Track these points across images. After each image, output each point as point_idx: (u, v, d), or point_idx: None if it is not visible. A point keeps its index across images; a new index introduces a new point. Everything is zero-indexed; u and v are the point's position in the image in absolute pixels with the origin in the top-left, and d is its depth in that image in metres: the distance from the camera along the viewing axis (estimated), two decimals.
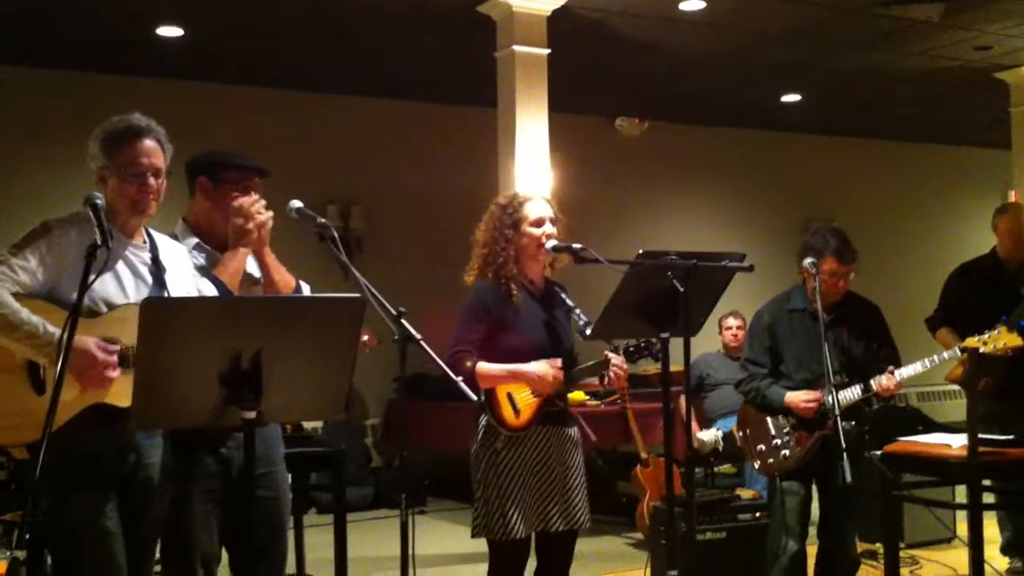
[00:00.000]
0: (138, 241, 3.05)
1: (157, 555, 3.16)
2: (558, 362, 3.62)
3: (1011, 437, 4.24)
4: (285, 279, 3.36)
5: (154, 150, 2.99)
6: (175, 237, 3.28)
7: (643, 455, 6.61)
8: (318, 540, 5.39)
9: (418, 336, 3.22)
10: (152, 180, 2.98)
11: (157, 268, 3.03)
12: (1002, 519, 5.59)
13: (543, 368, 3.59)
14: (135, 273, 3.00)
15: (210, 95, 8.49)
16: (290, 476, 3.48)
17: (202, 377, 2.49)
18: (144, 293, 2.96)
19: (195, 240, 3.31)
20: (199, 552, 3.12)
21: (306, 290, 3.40)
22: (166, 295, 2.97)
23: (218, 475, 3.15)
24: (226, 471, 3.16)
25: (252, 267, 3.36)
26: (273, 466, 3.31)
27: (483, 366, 3.59)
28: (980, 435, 4.06)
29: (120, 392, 2.80)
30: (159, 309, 2.52)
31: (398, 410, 7.32)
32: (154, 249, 3.07)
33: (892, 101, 9.87)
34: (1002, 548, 5.57)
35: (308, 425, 7.21)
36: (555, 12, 6.86)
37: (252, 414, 2.55)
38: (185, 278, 3.10)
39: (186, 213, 3.40)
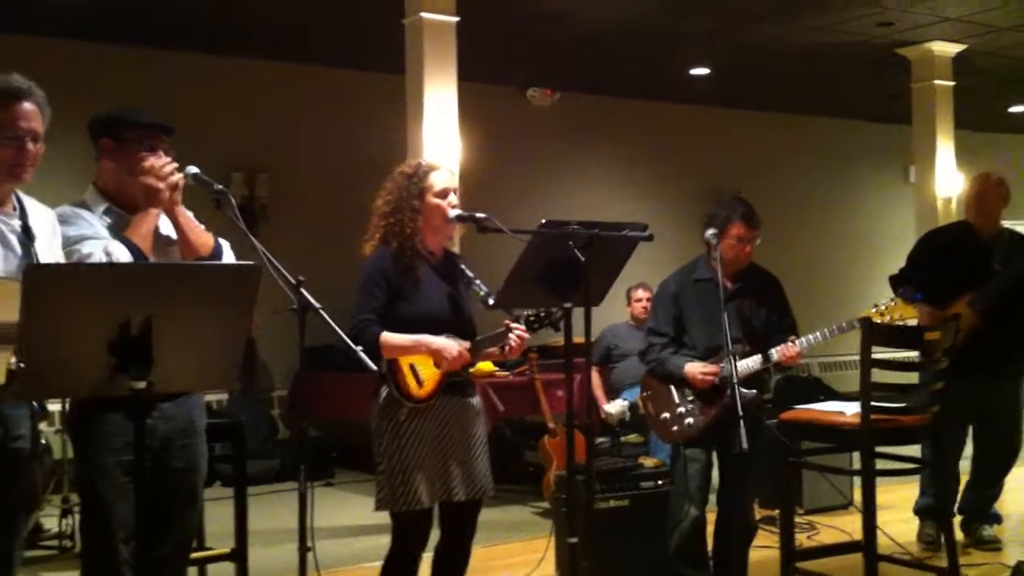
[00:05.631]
0: (8, 208, 2.92)
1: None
2: (466, 344, 3.60)
3: (903, 405, 4.33)
4: (201, 239, 3.23)
5: (33, 113, 2.88)
6: (85, 204, 3.17)
7: (550, 425, 6.65)
8: (221, 512, 5.31)
9: (317, 305, 3.18)
10: (30, 145, 2.86)
11: (27, 236, 2.90)
12: (926, 479, 5.43)
13: (448, 342, 3.57)
14: (3, 242, 2.87)
15: (113, 57, 8.19)
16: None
17: (90, 346, 2.42)
18: (12, 263, 2.83)
19: (105, 204, 3.19)
20: (119, 526, 3.01)
21: (226, 248, 3.28)
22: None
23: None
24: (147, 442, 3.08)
25: (168, 229, 3.24)
26: (193, 438, 3.24)
27: (387, 336, 3.56)
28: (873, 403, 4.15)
29: None
30: (43, 277, 2.42)
31: (302, 381, 7.24)
32: (24, 216, 2.93)
33: (797, 75, 10.00)
34: (916, 509, 5.51)
35: (212, 396, 7.10)
36: None
37: (142, 384, 2.48)
38: (53, 246, 2.98)
39: (95, 177, 3.27)
